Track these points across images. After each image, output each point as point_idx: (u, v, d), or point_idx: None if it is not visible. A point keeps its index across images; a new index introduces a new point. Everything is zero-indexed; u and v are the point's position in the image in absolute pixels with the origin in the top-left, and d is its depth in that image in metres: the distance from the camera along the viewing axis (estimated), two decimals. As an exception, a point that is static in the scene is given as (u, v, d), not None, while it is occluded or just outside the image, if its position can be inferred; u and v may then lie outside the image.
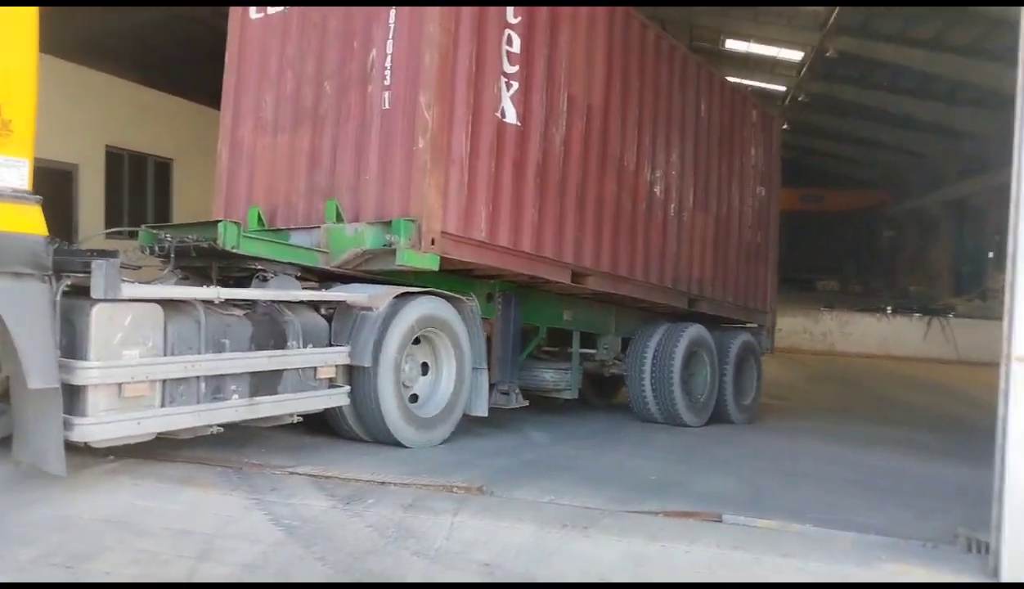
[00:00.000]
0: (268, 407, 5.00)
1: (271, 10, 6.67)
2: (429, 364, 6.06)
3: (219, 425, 4.73)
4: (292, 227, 6.19)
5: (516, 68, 6.22)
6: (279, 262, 5.66)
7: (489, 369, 6.43)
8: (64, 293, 4.09)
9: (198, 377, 4.57)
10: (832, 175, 30.83)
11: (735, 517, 4.43)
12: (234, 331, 4.85)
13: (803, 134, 24.90)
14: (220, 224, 5.34)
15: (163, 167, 15.12)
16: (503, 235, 6.20)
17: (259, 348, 4.98)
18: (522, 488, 4.82)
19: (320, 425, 5.79)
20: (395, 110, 5.78)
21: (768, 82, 22.87)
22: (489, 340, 6.55)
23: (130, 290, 4.26)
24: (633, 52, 7.50)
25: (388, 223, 5.58)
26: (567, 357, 8.09)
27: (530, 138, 6.37)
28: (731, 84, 9.46)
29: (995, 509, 3.61)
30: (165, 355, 4.42)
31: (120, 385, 4.19)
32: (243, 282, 5.68)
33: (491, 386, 6.55)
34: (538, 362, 7.84)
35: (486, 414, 6.33)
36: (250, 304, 5.11)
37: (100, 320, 4.11)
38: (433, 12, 5.60)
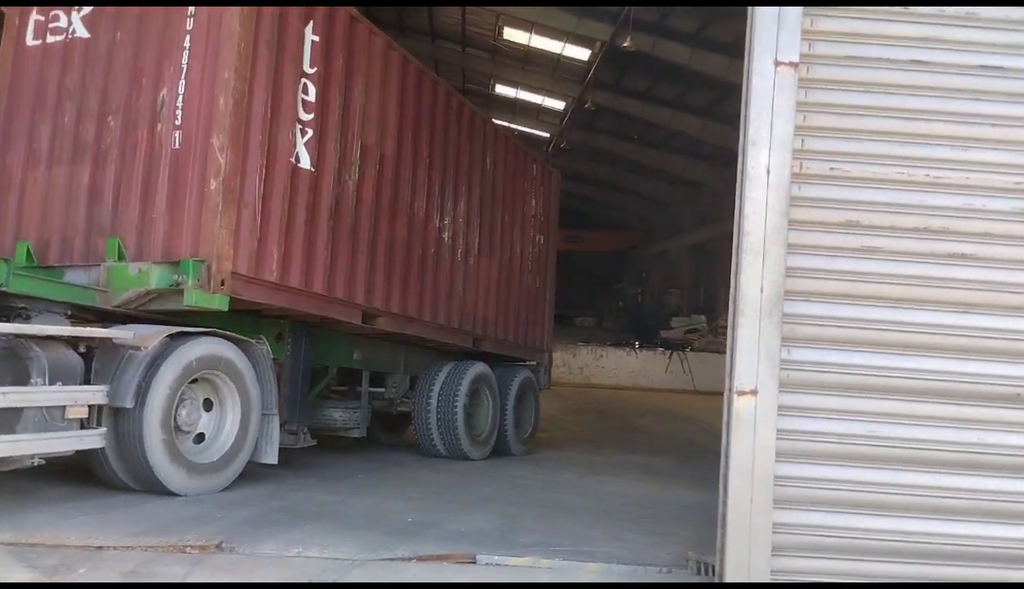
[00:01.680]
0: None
1: (50, 38, 6.21)
2: (212, 407, 5.68)
3: None
4: (67, 264, 5.75)
5: (311, 115, 6.24)
6: (49, 300, 5.25)
7: (279, 411, 6.16)
8: None
9: None
10: (591, 218, 32.17)
11: (489, 557, 4.33)
12: None
13: (565, 179, 26.30)
14: (-14, 262, 4.86)
15: None
16: (295, 276, 6.14)
17: None
18: (267, 541, 4.34)
19: (35, 480, 5.23)
20: (186, 150, 5.58)
21: (534, 128, 24.00)
22: (279, 380, 6.35)
23: None
24: (424, 106, 7.77)
25: (176, 263, 5.36)
26: (356, 396, 8.08)
27: (324, 183, 6.39)
28: (515, 140, 10.03)
29: (720, 532, 3.73)
30: None
31: None
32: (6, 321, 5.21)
33: (280, 426, 6.24)
34: (327, 401, 7.77)
35: (275, 462, 6.00)
36: None
37: None
38: (229, 57, 5.50)
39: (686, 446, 11.10)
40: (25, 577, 3.43)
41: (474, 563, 4.24)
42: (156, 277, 5.37)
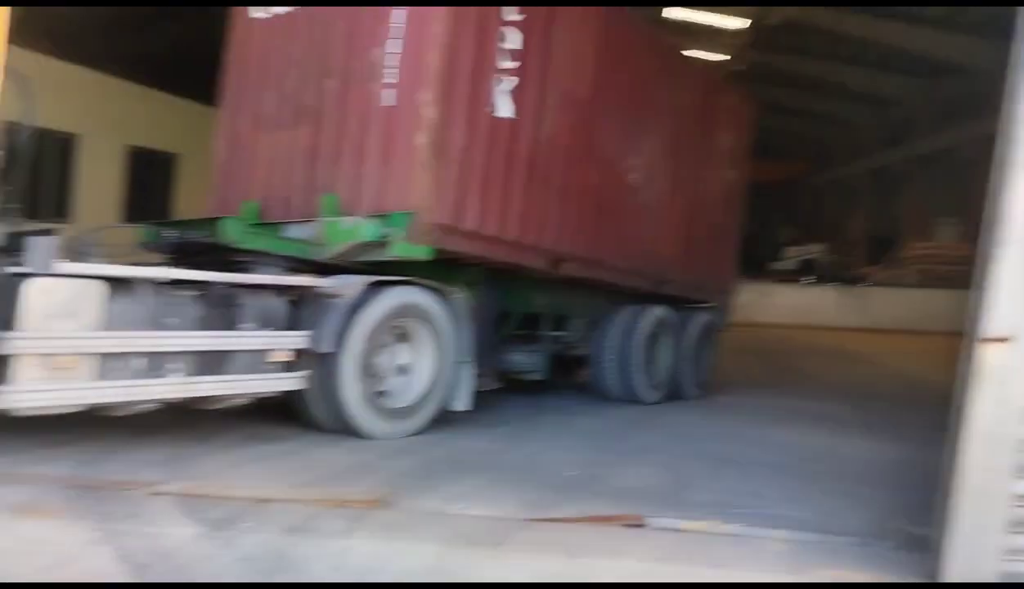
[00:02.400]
0: (210, 386, 4.90)
1: (275, 10, 6.51)
2: (407, 354, 5.84)
3: (156, 401, 4.69)
4: (290, 221, 6.11)
5: (513, 64, 6.19)
6: (272, 255, 5.62)
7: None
8: (15, 270, 4.14)
9: (134, 353, 4.52)
10: (761, 146, 30.61)
11: (660, 519, 4.01)
12: (181, 311, 4.79)
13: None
14: (221, 220, 5.25)
15: (168, 161, 15.16)
16: (491, 225, 6.23)
17: (208, 329, 4.90)
18: (428, 495, 4.21)
19: (208, 430, 5.39)
20: (397, 107, 5.73)
21: (708, 51, 21.81)
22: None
23: (65, 267, 4.29)
24: (619, 43, 7.46)
25: (385, 216, 5.56)
26: (537, 339, 8.17)
27: (522, 131, 6.38)
28: (708, 69, 9.48)
29: (943, 502, 3.29)
30: (105, 330, 4.43)
31: (47, 357, 4.21)
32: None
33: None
34: (509, 345, 7.90)
35: (470, 408, 6.08)
36: (205, 286, 5.02)
37: (31, 294, 4.16)
38: (439, 13, 5.54)
39: (861, 390, 10.29)
40: (191, 531, 3.42)
41: (643, 526, 3.98)
42: (367, 230, 5.59)
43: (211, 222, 5.53)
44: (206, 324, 4.88)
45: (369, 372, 5.51)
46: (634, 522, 4.00)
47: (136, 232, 5.97)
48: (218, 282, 5.04)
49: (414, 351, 5.84)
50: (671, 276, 8.94)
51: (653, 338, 8.57)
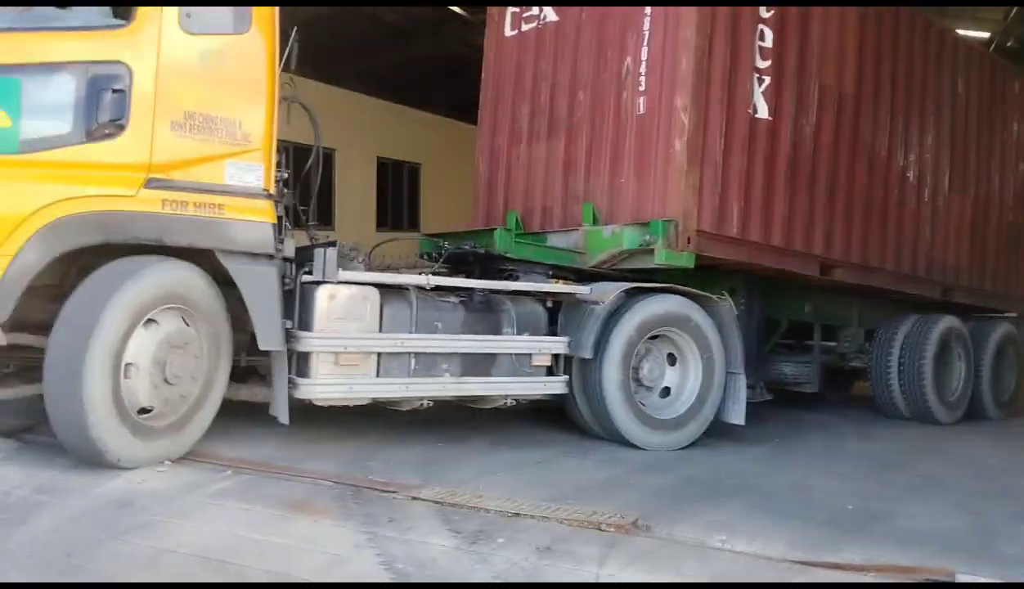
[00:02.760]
0: (477, 386, 5.12)
1: (525, 27, 6.87)
2: (675, 363, 5.71)
3: (429, 399, 4.98)
4: (548, 230, 6.35)
5: (768, 62, 5.96)
6: (536, 263, 5.85)
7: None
8: (305, 277, 4.65)
9: (408, 353, 4.85)
10: None
11: (973, 576, 3.27)
12: (447, 315, 5.08)
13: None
14: (496, 231, 5.60)
15: (414, 171, 16.82)
16: (754, 230, 5.99)
17: (471, 333, 5.11)
18: (685, 521, 3.85)
19: (460, 432, 5.53)
20: (650, 114, 5.73)
21: (968, 29, 19.64)
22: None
23: (347, 274, 4.70)
24: (887, 34, 6.94)
25: (646, 224, 5.57)
26: (805, 350, 7.70)
27: (781, 131, 6.09)
28: (990, 56, 8.48)
29: None
30: (380, 332, 4.79)
31: (336, 354, 4.64)
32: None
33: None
34: (777, 355, 7.52)
35: (743, 422, 5.76)
36: (468, 293, 5.26)
37: (322, 298, 4.62)
38: (690, 16, 5.49)
39: None
40: (448, 543, 3.38)
41: (952, 582, 3.24)
42: (627, 238, 5.63)
43: (482, 233, 5.91)
44: (471, 328, 5.15)
45: (633, 380, 5.49)
46: (941, 576, 3.28)
47: (415, 243, 6.57)
48: (480, 288, 5.33)
49: (680, 361, 5.70)
50: (960, 282, 8.03)
51: (944, 351, 7.73)
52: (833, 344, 7.94)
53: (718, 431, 5.84)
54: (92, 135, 4.01)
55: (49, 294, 4.16)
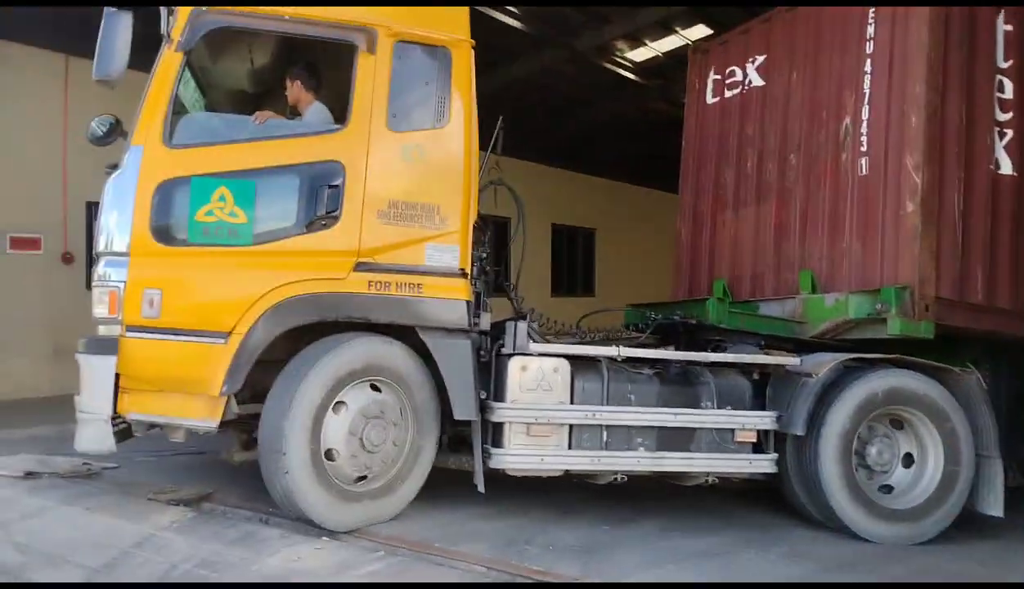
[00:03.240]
0: (674, 462, 4.96)
1: (728, 94, 6.80)
2: (907, 446, 5.23)
3: (623, 473, 4.88)
4: (759, 298, 6.12)
5: (1009, 115, 5.49)
6: (745, 332, 5.62)
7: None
8: (499, 350, 4.80)
9: (600, 425, 4.82)
10: None
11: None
12: (641, 387, 4.98)
13: None
14: (708, 301, 5.47)
15: (588, 236, 17.09)
16: (1002, 295, 5.44)
17: (667, 405, 4.95)
18: None
19: (628, 513, 5.21)
20: (874, 175, 5.42)
21: None
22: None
23: (538, 346, 4.81)
24: None
25: (875, 291, 5.21)
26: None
27: (1027, 188, 5.57)
28: None
29: None
30: (572, 403, 4.78)
31: (528, 425, 4.73)
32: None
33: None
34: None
35: (1001, 514, 5.16)
36: (664, 364, 5.12)
37: (514, 370, 4.75)
38: (918, 71, 5.18)
39: None
40: None
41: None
42: (854, 307, 5.29)
43: (692, 303, 5.80)
44: (666, 400, 5.01)
45: (857, 462, 5.06)
46: None
47: (622, 314, 6.55)
48: (676, 360, 5.19)
49: (916, 443, 5.21)
50: None
51: None
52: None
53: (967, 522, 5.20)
54: (311, 226, 4.44)
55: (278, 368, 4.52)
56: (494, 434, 4.82)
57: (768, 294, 6.07)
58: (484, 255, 5.16)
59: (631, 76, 19.02)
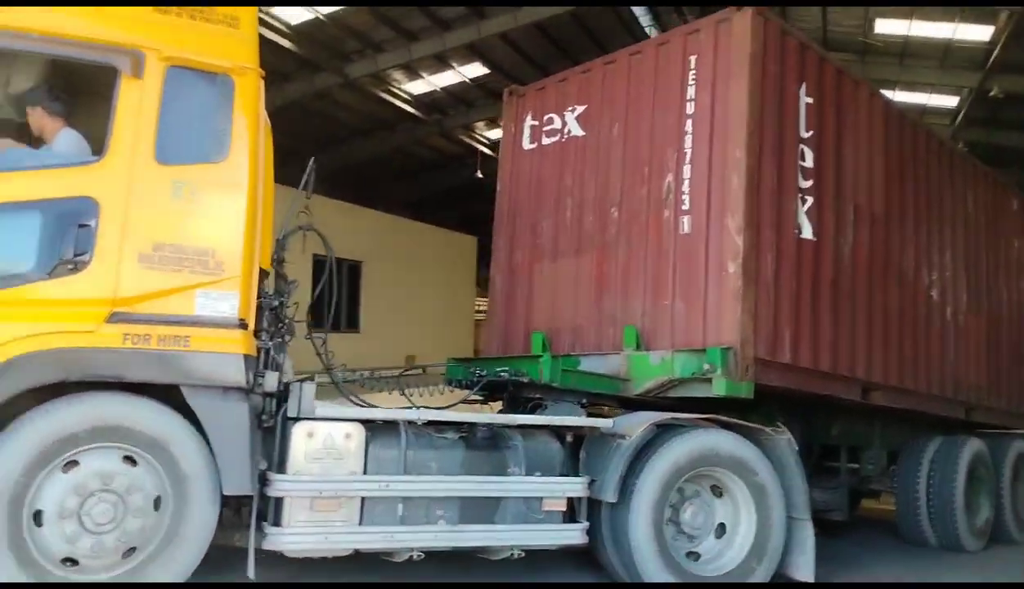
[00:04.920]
0: (477, 535, 4.71)
1: (546, 141, 6.83)
2: (723, 510, 5.24)
3: (419, 549, 4.57)
4: (580, 353, 6.11)
5: (810, 182, 5.99)
6: (563, 391, 5.57)
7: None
8: (284, 414, 4.38)
9: (396, 498, 4.51)
10: None
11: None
12: (443, 454, 4.71)
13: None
14: (542, 358, 5.33)
15: (354, 269, 16.72)
16: (804, 355, 5.85)
17: (471, 473, 4.72)
18: None
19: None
20: (696, 234, 5.63)
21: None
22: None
23: (326, 410, 4.45)
24: (906, 153, 7.13)
25: (701, 350, 5.38)
26: (832, 473, 7.56)
27: (824, 252, 6.07)
28: (992, 173, 8.89)
29: None
30: (365, 473, 4.46)
31: (312, 499, 4.34)
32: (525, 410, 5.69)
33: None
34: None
35: (812, 579, 5.16)
36: (471, 428, 4.88)
37: (299, 437, 4.36)
38: (739, 136, 5.48)
39: None
40: None
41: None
42: (680, 365, 5.40)
43: (523, 359, 5.64)
44: (471, 468, 4.75)
45: (672, 529, 5.04)
46: None
47: (445, 369, 6.24)
48: (482, 423, 4.94)
49: (731, 506, 5.23)
50: (980, 401, 8.10)
51: (972, 474, 7.72)
52: (856, 466, 7.84)
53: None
54: (55, 272, 3.93)
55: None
56: (274, 510, 4.36)
57: (590, 349, 6.07)
58: (276, 304, 4.67)
59: (409, 109, 19.02)
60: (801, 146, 5.98)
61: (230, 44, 4.41)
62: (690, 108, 5.83)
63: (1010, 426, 8.75)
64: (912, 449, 7.77)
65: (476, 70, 19.19)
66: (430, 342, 15.23)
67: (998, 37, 15.57)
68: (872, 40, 16.67)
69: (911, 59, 17.61)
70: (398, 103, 18.68)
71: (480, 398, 5.75)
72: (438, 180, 19.80)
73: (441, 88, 19.33)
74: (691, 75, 5.87)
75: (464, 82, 19.15)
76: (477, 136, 19.18)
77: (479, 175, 18.37)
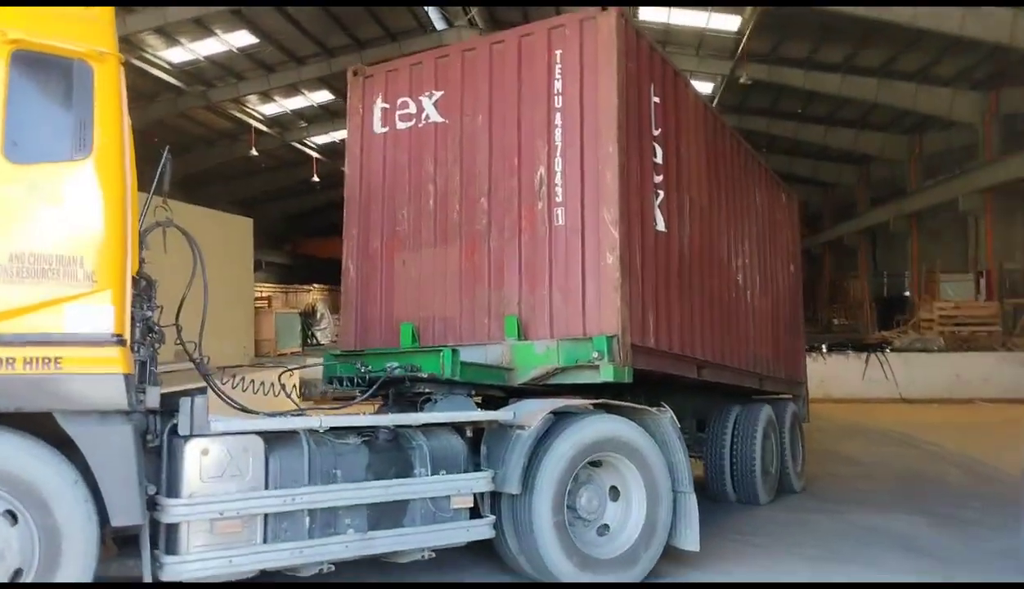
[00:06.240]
0: (387, 542, 4.66)
1: (401, 125, 6.65)
2: (615, 481, 5.41)
3: (329, 562, 4.51)
4: (452, 343, 6.07)
5: (661, 177, 6.46)
6: (452, 383, 5.56)
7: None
8: (172, 431, 4.15)
9: (302, 511, 4.42)
10: None
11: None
12: (347, 460, 4.64)
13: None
14: (442, 352, 5.24)
15: None
16: (663, 339, 6.33)
17: (377, 477, 4.69)
18: None
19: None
20: (571, 225, 5.83)
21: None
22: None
23: (221, 425, 4.25)
24: (718, 149, 7.92)
25: (585, 339, 5.59)
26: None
27: (672, 243, 6.58)
28: (769, 170, 10.11)
29: None
30: (267, 488, 4.35)
31: (212, 522, 4.15)
32: (415, 405, 5.62)
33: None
34: None
35: (697, 548, 5.39)
36: (372, 431, 4.85)
37: (192, 455, 4.13)
38: (610, 132, 5.72)
39: (919, 486, 9.44)
40: None
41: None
42: (565, 354, 5.60)
43: (417, 354, 5.50)
44: (377, 472, 4.67)
45: (566, 516, 5.12)
46: None
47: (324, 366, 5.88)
48: (385, 425, 4.87)
49: (622, 489, 5.39)
50: (769, 372, 9.26)
51: (765, 436, 8.79)
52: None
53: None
54: None
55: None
56: (168, 537, 4.07)
57: (463, 339, 6.06)
58: (150, 314, 4.31)
59: (169, 79, 17.36)
60: (653, 143, 6.39)
61: (84, 26, 4.00)
62: (558, 102, 6.00)
63: (785, 392, 10.07)
64: (718, 416, 8.64)
65: (244, 39, 18.02)
66: (207, 330, 14.06)
67: (745, 27, 17.59)
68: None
69: (672, 47, 19.15)
70: (155, 72, 17.00)
71: (354, 395, 5.51)
72: (207, 157, 18.33)
73: (204, 57, 17.91)
74: (557, 69, 6.03)
75: (231, 51, 17.91)
76: (249, 110, 18.01)
77: (254, 153, 17.28)
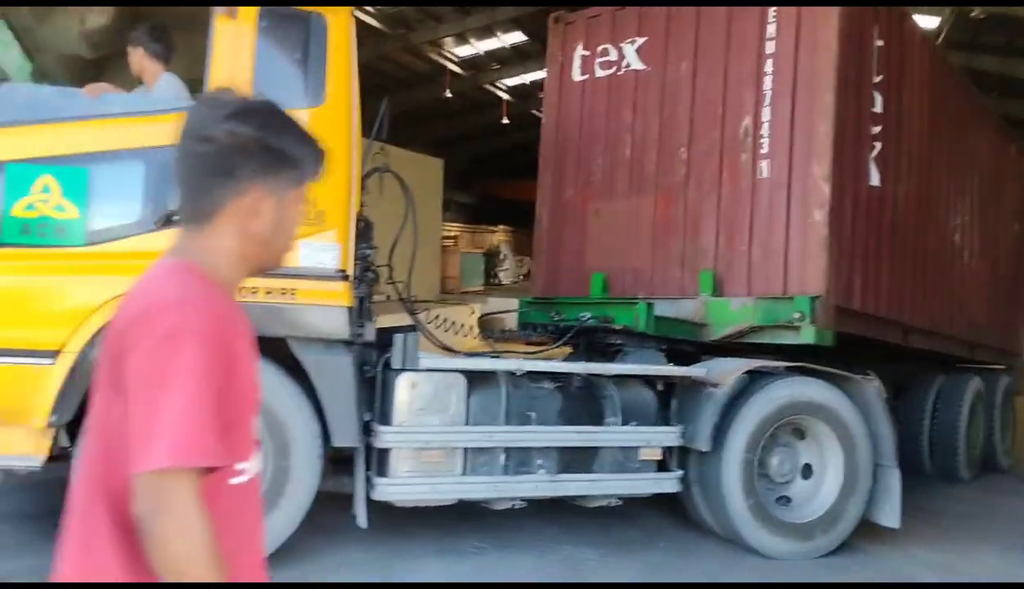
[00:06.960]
0: (575, 486, 4.75)
1: (600, 73, 6.53)
2: (809, 457, 5.23)
3: (521, 499, 4.63)
4: (644, 296, 5.97)
5: (879, 128, 5.96)
6: (644, 336, 5.49)
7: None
8: (386, 364, 4.34)
9: (500, 449, 4.54)
10: None
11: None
12: (541, 403, 4.72)
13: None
14: (638, 306, 5.21)
15: None
16: (870, 302, 5.93)
17: (569, 423, 4.74)
18: None
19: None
20: (777, 179, 5.53)
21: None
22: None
23: (429, 361, 4.41)
24: (943, 98, 7.18)
25: (786, 298, 5.34)
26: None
27: (887, 200, 6.10)
28: (995, 116, 9.06)
29: None
30: (466, 424, 4.47)
31: (419, 450, 4.35)
32: (606, 355, 5.61)
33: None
34: None
35: (897, 525, 5.12)
36: (567, 378, 4.89)
37: (402, 388, 4.32)
38: (828, 82, 5.34)
39: None
40: None
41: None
42: (762, 312, 5.39)
43: (612, 305, 5.52)
44: (569, 418, 4.74)
45: (760, 476, 5.03)
46: None
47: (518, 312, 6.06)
48: (580, 373, 4.92)
49: (817, 452, 5.21)
50: (982, 340, 8.47)
51: (972, 410, 8.12)
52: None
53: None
54: (161, 223, 3.78)
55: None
56: (379, 461, 4.33)
57: (656, 292, 5.95)
58: (369, 253, 4.53)
59: (374, 22, 17.97)
60: (873, 91, 5.89)
61: None
62: (770, 47, 5.64)
63: (998, 363, 9.20)
64: (918, 385, 8.05)
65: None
66: (395, 266, 14.72)
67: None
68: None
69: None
70: (362, 16, 17.67)
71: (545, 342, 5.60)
72: (406, 99, 18.93)
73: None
74: (771, 13, 5.66)
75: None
76: (445, 53, 18.37)
77: (448, 94, 17.68)
